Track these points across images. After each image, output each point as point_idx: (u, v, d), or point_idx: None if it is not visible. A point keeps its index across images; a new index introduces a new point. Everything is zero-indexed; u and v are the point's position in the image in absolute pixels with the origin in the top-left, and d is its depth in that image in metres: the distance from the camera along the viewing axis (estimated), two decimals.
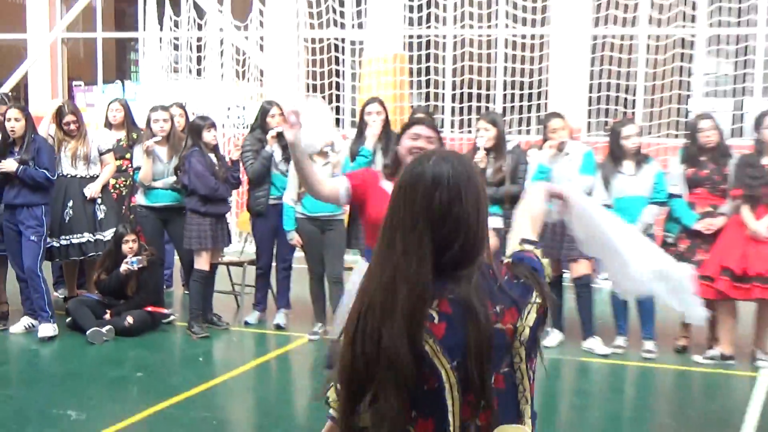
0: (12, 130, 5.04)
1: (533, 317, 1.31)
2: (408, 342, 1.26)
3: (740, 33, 7.98)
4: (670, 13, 8.05)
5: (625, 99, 8.19)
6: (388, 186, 2.87)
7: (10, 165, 4.92)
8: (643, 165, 4.92)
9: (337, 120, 8.43)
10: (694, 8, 8.04)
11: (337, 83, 8.91)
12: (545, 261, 1.50)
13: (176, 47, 9.02)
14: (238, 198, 6.98)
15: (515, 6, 8.32)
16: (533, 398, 1.34)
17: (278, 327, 5.34)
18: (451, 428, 1.29)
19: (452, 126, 8.61)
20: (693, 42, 8.17)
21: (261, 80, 9.09)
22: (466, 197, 1.35)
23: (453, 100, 8.66)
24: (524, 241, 1.53)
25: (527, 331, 1.30)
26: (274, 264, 5.51)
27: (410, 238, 1.32)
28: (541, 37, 8.51)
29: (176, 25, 8.92)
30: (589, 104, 8.40)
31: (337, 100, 8.82)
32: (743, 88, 7.96)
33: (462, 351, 1.24)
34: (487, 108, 8.20)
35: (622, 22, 8.25)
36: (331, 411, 1.56)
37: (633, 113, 7.60)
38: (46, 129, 5.74)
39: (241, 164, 5.41)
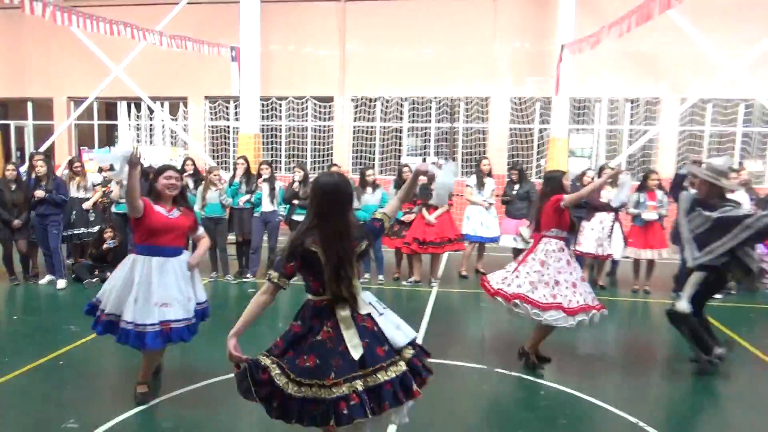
0: (38, 171, 7.47)
1: (365, 244, 2.87)
2: (345, 251, 2.76)
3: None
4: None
5: None
6: (158, 208, 4.05)
7: (40, 193, 7.40)
8: (376, 189, 8.45)
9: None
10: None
11: (226, 149, 12.74)
12: (387, 223, 3.02)
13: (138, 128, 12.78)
14: None
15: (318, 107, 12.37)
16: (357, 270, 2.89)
17: None
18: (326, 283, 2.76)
19: (289, 169, 12.71)
20: None
21: (185, 146, 12.80)
22: (349, 190, 2.85)
23: (287, 158, 12.80)
24: (378, 213, 3.06)
25: (363, 248, 2.87)
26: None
27: (337, 210, 2.77)
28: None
29: (138, 117, 12.93)
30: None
31: (225, 157, 12.68)
32: None
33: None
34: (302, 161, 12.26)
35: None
36: (271, 279, 2.83)
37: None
38: (62, 171, 8.91)
39: None
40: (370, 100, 13.33)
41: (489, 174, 8.88)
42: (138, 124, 14.10)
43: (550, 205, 4.93)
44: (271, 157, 13.71)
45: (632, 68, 12.14)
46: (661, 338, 6.20)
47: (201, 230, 4.44)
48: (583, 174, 8.37)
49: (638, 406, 4.44)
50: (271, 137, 13.71)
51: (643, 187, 7.98)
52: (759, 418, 4.33)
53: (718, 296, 7.75)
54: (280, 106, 13.64)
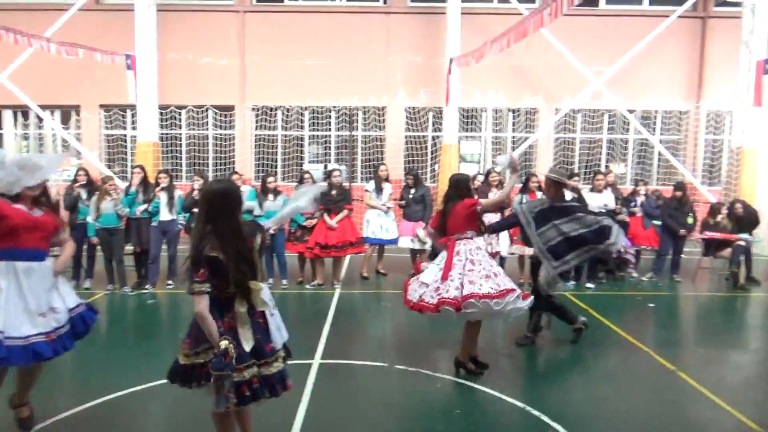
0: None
1: (259, 241, 3.04)
2: (244, 247, 2.89)
3: None
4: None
5: None
6: (18, 205, 3.56)
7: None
8: (278, 195, 8.26)
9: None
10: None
11: (123, 158, 12.02)
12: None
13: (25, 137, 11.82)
14: None
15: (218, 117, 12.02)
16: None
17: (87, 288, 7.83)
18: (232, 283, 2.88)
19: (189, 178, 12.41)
20: None
21: (79, 156, 11.90)
22: (238, 194, 2.96)
23: (188, 167, 12.37)
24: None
25: (257, 244, 3.02)
26: None
27: (227, 212, 2.87)
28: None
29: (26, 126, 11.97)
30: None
31: (123, 166, 11.97)
32: None
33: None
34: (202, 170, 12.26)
35: None
36: (194, 291, 2.83)
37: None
38: None
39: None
40: (271, 109, 13.05)
41: (386, 179, 8.95)
42: (26, 133, 12.94)
43: (463, 209, 4.75)
44: (172, 166, 13.06)
45: (513, 81, 12.73)
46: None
47: (65, 233, 4.02)
48: (474, 177, 8.64)
49: (524, 390, 4.62)
50: (172, 146, 13.08)
51: (525, 189, 8.34)
52: (627, 390, 4.62)
53: (590, 285, 8.27)
54: (180, 115, 13.03)
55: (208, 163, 13.19)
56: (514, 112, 13.02)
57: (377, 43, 12.90)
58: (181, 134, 13.15)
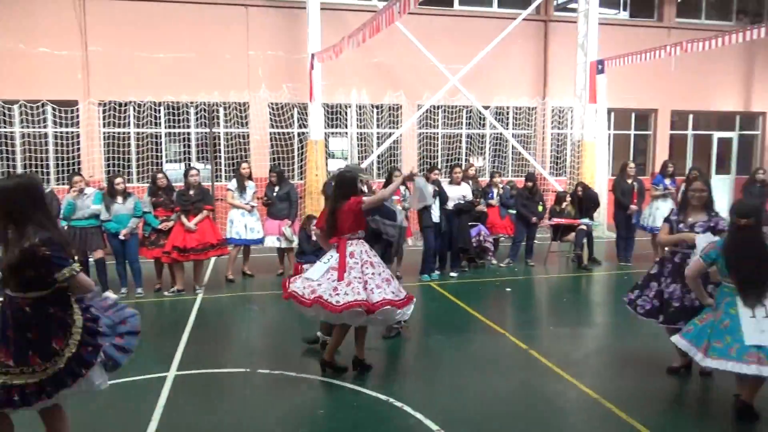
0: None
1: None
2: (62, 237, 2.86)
3: None
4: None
5: None
6: None
7: None
8: (128, 198, 7.58)
9: None
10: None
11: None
12: None
13: None
14: None
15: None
16: None
17: None
18: None
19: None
20: None
21: None
22: (40, 189, 2.87)
23: (24, 168, 11.55)
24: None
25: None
26: None
27: (31, 207, 2.72)
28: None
29: None
30: None
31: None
32: None
33: None
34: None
35: None
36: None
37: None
38: None
39: None
40: (121, 105, 12.06)
41: (249, 177, 8.66)
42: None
43: (350, 208, 4.58)
44: (6, 167, 11.62)
45: (376, 78, 12.90)
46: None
47: None
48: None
49: (387, 383, 4.64)
50: (3, 145, 11.57)
51: (387, 185, 8.44)
52: (486, 373, 4.83)
53: (453, 274, 8.61)
54: (11, 111, 11.60)
55: (48, 164, 11.88)
56: (377, 108, 13.20)
57: (236, 37, 12.42)
58: (14, 132, 11.72)
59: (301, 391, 4.52)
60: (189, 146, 12.81)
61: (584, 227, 9.30)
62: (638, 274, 8.79)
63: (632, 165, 9.53)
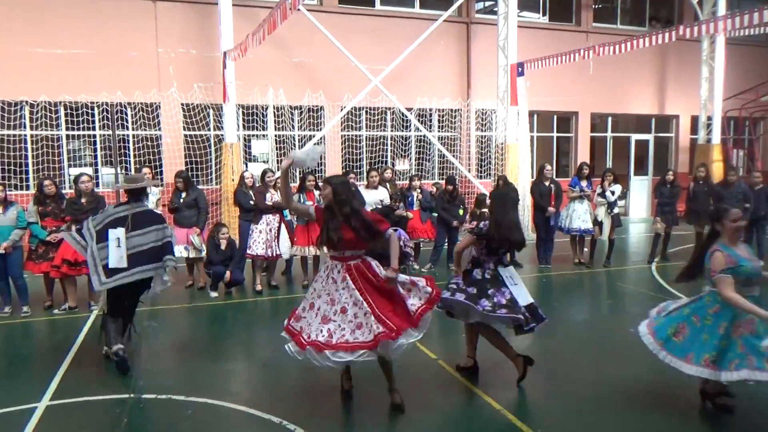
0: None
1: None
2: None
3: None
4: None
5: None
6: None
7: None
8: (9, 207, 6.96)
9: None
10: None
11: None
12: None
13: None
14: None
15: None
16: None
17: None
18: None
19: None
20: None
21: None
22: None
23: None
24: None
25: None
26: None
27: None
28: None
29: None
30: None
31: None
32: None
33: None
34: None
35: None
36: None
37: None
38: None
39: None
40: (11, 104, 11.20)
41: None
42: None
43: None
44: None
45: (295, 78, 12.62)
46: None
47: None
48: (263, 174, 8.34)
49: (275, 401, 4.39)
50: None
51: (301, 189, 8.21)
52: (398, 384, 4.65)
53: None
54: None
55: None
56: (297, 109, 12.92)
57: (143, 33, 11.82)
58: None
59: (187, 415, 4.20)
60: (95, 149, 12.08)
61: None
62: (558, 276, 9.04)
63: (549, 167, 9.70)
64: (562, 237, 10.17)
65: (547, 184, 9.61)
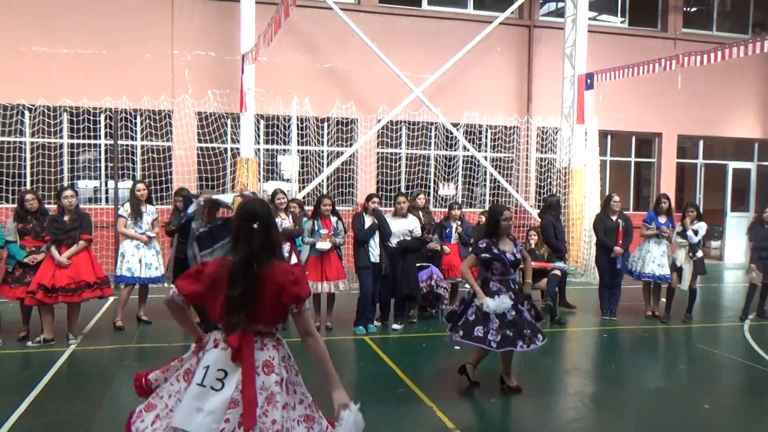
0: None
1: None
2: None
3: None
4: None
5: None
6: None
7: None
8: None
9: None
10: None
11: None
12: None
13: None
14: None
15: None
16: None
17: None
18: None
19: None
20: None
21: None
22: None
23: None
24: None
25: None
26: None
27: None
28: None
29: None
30: None
31: None
32: None
33: None
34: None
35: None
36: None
37: None
38: None
39: None
40: (9, 108, 11.64)
41: (148, 200, 8.29)
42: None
43: (281, 285, 3.25)
44: None
45: (325, 86, 12.72)
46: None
47: None
48: (273, 195, 8.34)
49: None
50: None
51: (316, 214, 8.10)
52: None
53: (396, 327, 8.24)
54: None
55: None
56: (325, 121, 12.94)
57: (158, 32, 12.16)
58: None
59: None
60: (99, 158, 12.43)
61: (558, 272, 8.98)
62: (625, 331, 8.55)
63: (617, 199, 9.28)
64: (633, 283, 9.67)
65: (614, 218, 9.18)
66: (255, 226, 2.98)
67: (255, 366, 2.94)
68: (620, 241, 9.06)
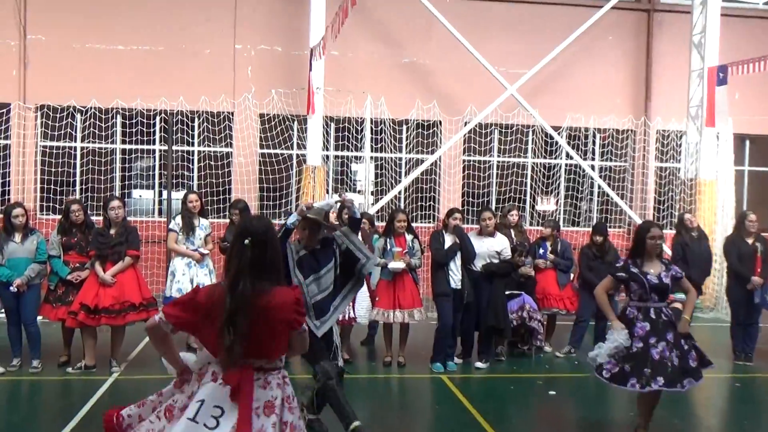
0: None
1: None
2: None
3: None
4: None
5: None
6: None
7: None
8: (29, 235, 7.44)
9: None
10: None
11: None
12: None
13: None
14: None
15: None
16: None
17: None
18: None
19: None
20: None
21: None
22: None
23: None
24: None
25: None
26: None
27: None
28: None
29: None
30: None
31: None
32: None
33: None
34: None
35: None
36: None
37: None
38: None
39: None
40: (58, 110, 12.33)
41: (201, 213, 8.58)
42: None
43: (284, 310, 3.58)
44: None
45: (402, 84, 12.84)
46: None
47: None
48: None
49: None
50: None
51: (389, 231, 8.10)
52: None
53: (481, 365, 8.14)
54: None
55: None
56: (403, 124, 12.99)
57: (219, 25, 12.59)
58: None
59: None
60: (153, 167, 12.99)
61: (678, 305, 8.58)
62: (763, 379, 8.10)
63: (753, 217, 8.85)
64: None
65: (750, 241, 8.78)
66: (246, 242, 3.06)
67: (255, 407, 2.99)
68: (759, 270, 8.65)
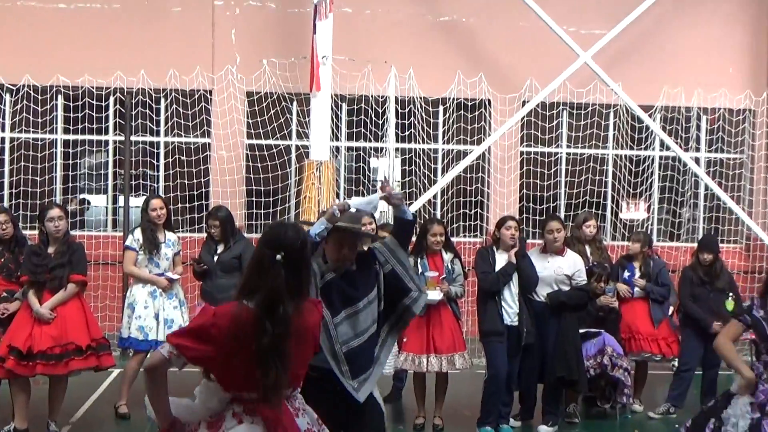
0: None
1: None
2: None
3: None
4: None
5: None
6: None
7: None
8: None
9: None
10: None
11: None
12: None
13: None
14: None
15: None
16: None
17: None
18: None
19: None
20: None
21: None
22: None
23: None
24: None
25: None
26: None
27: None
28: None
29: None
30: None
31: None
32: None
33: None
34: None
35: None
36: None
37: None
38: None
39: None
40: None
41: (167, 226, 8.61)
42: None
43: (314, 327, 3.98)
44: None
45: (437, 52, 12.92)
46: None
47: None
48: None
49: None
50: None
51: (420, 248, 8.10)
52: None
53: (546, 429, 8.13)
54: None
55: None
56: (440, 104, 13.03)
57: None
58: None
59: None
60: (107, 163, 13.15)
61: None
62: None
63: None
64: None
65: None
66: (278, 257, 3.33)
67: None
68: None
